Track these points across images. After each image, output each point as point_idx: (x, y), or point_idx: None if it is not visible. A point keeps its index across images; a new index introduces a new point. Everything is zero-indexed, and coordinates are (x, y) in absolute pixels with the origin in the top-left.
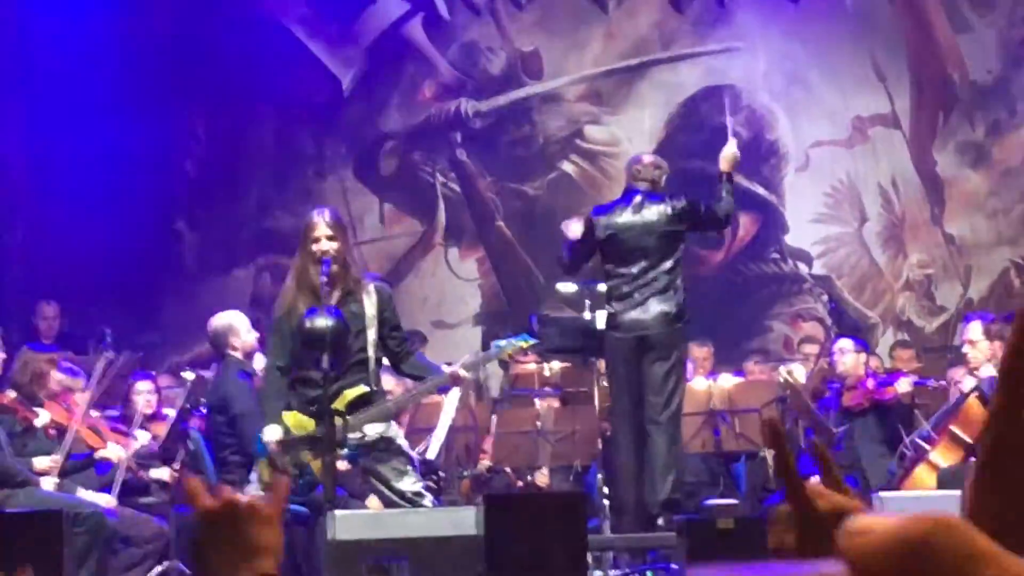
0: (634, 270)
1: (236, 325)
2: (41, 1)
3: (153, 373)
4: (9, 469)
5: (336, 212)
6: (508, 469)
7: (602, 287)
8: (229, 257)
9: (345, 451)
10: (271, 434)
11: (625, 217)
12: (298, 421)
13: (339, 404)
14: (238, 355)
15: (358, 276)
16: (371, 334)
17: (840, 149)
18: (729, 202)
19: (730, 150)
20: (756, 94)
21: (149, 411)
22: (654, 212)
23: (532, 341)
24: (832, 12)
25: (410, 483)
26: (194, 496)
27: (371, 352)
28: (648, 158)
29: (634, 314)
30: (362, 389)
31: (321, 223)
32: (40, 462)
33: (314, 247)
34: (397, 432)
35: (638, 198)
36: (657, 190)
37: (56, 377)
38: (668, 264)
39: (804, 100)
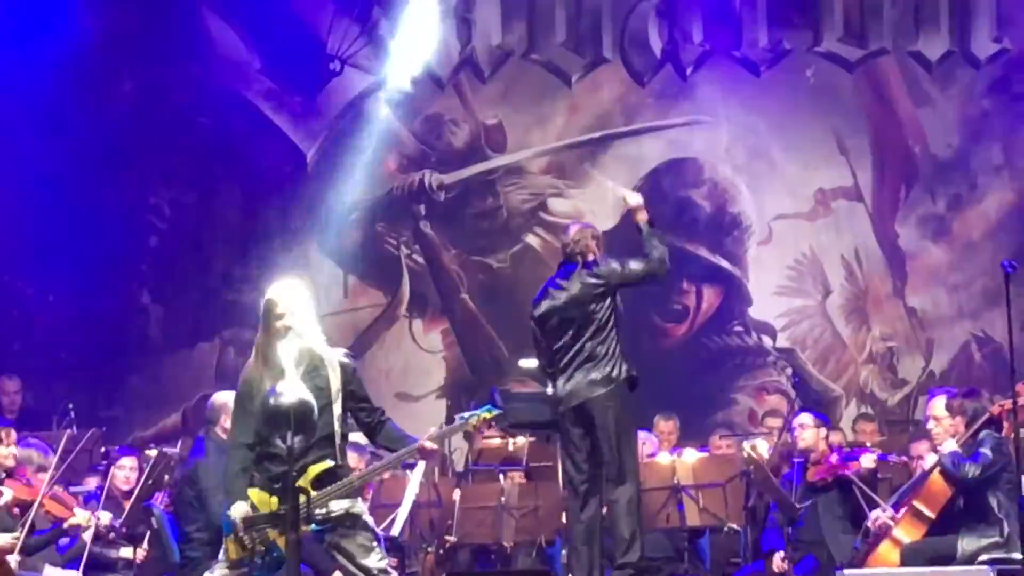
0: (563, 343)
1: (231, 406)
2: (4, 75)
3: (137, 449)
4: None
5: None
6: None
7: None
8: (194, 331)
9: (312, 527)
10: (237, 511)
11: (553, 294)
12: (262, 498)
13: (304, 480)
14: (223, 435)
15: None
16: (336, 408)
17: (803, 222)
18: (657, 247)
19: (631, 200)
20: (718, 167)
21: (127, 487)
22: (577, 283)
23: (496, 412)
24: (793, 86)
25: (376, 559)
26: None
27: (336, 427)
28: (573, 228)
29: (568, 386)
30: (327, 464)
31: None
32: (2, 539)
33: (277, 323)
34: (362, 508)
35: (564, 273)
36: (587, 259)
37: (3, 452)
38: (592, 332)
39: (766, 173)
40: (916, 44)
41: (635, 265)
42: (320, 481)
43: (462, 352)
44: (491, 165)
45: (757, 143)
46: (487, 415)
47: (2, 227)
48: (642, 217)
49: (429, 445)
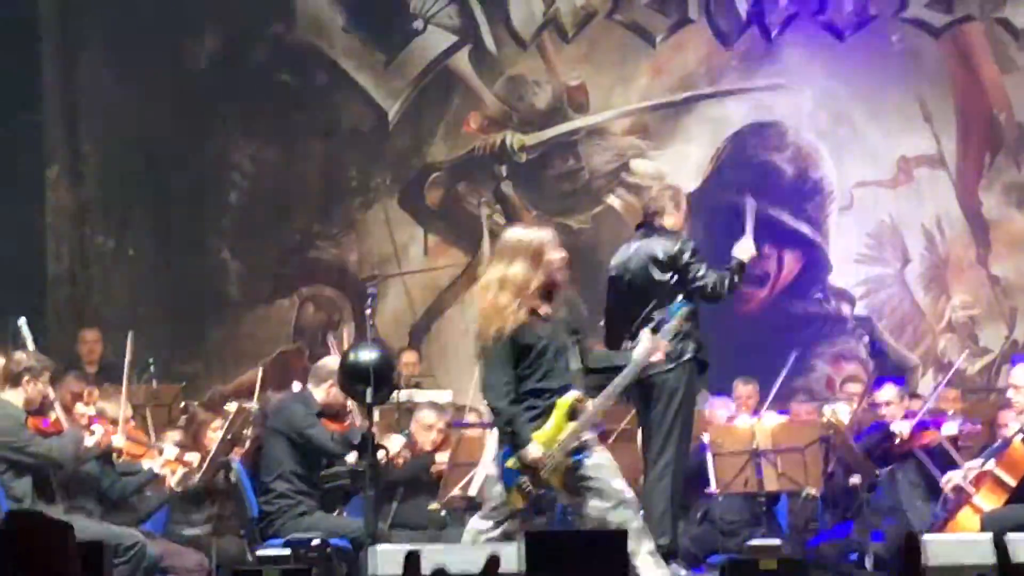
0: (635, 308)
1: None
2: (89, 28)
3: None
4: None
5: None
6: None
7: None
8: (273, 287)
9: (572, 458)
10: (534, 451)
11: (627, 254)
12: (546, 436)
13: (562, 411)
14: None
15: None
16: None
17: (884, 189)
18: (723, 285)
19: (747, 245)
20: (802, 132)
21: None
22: (650, 248)
23: (690, 306)
24: (878, 51)
25: (619, 483)
26: None
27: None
28: (657, 187)
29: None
30: (577, 395)
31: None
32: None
33: (554, 255)
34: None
35: (640, 233)
36: (659, 220)
37: (82, 411)
38: (657, 301)
39: (849, 139)
40: (1003, 10)
41: (701, 274)
42: (573, 412)
43: None
44: (573, 126)
45: (840, 108)
46: (685, 310)
47: (84, 181)
48: (743, 259)
49: (664, 342)
